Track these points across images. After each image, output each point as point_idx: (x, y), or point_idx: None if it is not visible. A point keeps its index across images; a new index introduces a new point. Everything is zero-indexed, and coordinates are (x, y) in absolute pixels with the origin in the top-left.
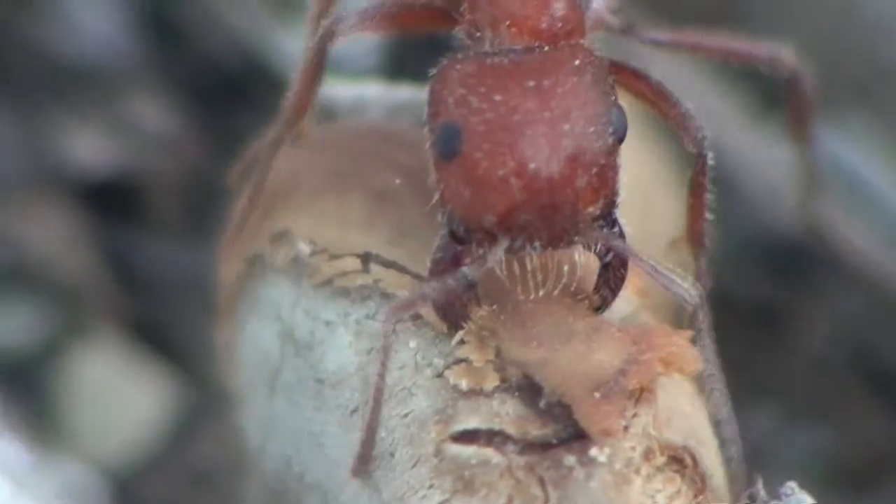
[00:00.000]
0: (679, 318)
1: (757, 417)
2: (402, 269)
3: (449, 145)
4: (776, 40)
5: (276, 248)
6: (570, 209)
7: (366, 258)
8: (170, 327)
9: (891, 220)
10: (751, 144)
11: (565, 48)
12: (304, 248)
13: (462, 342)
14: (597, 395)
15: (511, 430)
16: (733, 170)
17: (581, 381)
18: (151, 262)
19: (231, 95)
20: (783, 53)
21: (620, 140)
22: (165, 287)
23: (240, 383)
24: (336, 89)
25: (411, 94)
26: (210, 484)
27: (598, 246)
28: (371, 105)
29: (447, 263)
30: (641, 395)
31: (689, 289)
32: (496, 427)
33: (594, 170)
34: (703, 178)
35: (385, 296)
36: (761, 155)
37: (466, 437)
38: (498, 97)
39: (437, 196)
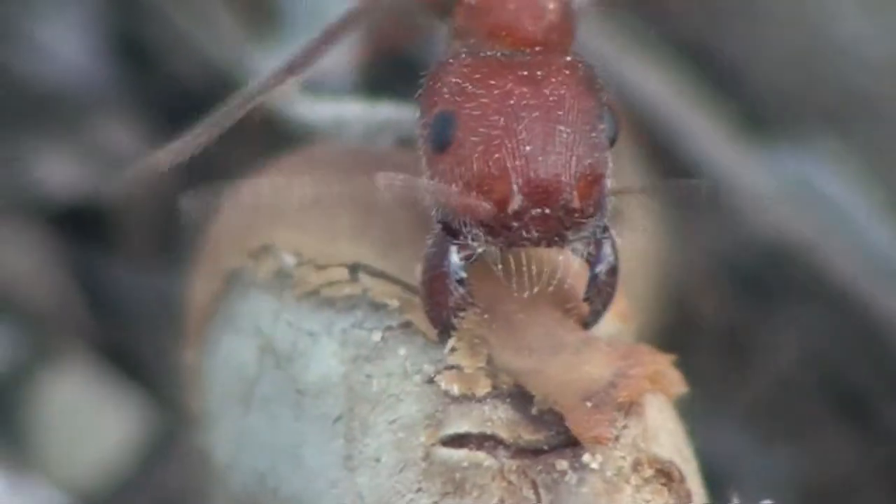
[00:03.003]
0: (659, 342)
1: (727, 439)
2: (391, 279)
3: (443, 134)
4: (748, 63)
5: (258, 262)
6: (566, 200)
7: (354, 268)
8: (139, 351)
9: (860, 243)
10: (726, 164)
11: (558, 50)
12: (290, 259)
13: (453, 349)
14: (588, 404)
15: (503, 434)
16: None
17: (572, 390)
18: (121, 287)
19: (202, 118)
20: None
21: (612, 142)
22: (135, 311)
23: (209, 403)
24: (316, 109)
25: (391, 112)
26: None
27: (589, 251)
28: (351, 124)
29: (440, 257)
30: (630, 408)
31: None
32: (488, 431)
33: (588, 162)
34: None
35: (374, 305)
36: (734, 175)
37: (457, 440)
38: (493, 85)
39: (430, 186)
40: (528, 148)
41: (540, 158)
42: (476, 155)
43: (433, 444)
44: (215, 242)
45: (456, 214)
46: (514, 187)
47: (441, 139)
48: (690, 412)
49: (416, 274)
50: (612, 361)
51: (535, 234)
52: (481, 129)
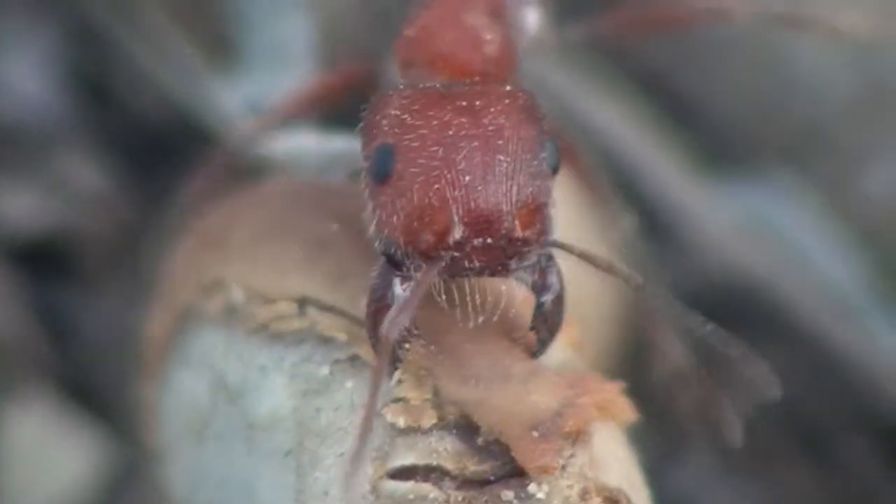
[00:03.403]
0: (611, 371)
1: (688, 469)
2: (339, 313)
3: (383, 166)
4: (705, 97)
5: (209, 297)
6: (507, 229)
7: (302, 302)
8: (100, 385)
9: (818, 276)
10: (687, 199)
11: (498, 80)
12: (238, 294)
13: (399, 381)
14: (535, 433)
15: (449, 465)
16: (669, 223)
17: (519, 420)
18: (83, 321)
19: (162, 152)
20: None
21: (554, 171)
22: (96, 345)
23: (165, 437)
24: (269, 142)
25: (344, 145)
26: None
27: (534, 280)
28: (305, 156)
29: (384, 289)
30: (578, 437)
31: (629, 272)
32: (434, 463)
33: (529, 191)
34: None
35: (322, 339)
36: (692, 209)
37: (403, 473)
38: (431, 116)
39: (372, 225)
40: (467, 178)
41: (480, 188)
42: (416, 186)
43: (380, 478)
44: (170, 277)
45: (398, 246)
46: (455, 218)
47: (381, 171)
48: (651, 443)
49: (360, 306)
50: (559, 390)
51: (478, 265)
52: (420, 161)
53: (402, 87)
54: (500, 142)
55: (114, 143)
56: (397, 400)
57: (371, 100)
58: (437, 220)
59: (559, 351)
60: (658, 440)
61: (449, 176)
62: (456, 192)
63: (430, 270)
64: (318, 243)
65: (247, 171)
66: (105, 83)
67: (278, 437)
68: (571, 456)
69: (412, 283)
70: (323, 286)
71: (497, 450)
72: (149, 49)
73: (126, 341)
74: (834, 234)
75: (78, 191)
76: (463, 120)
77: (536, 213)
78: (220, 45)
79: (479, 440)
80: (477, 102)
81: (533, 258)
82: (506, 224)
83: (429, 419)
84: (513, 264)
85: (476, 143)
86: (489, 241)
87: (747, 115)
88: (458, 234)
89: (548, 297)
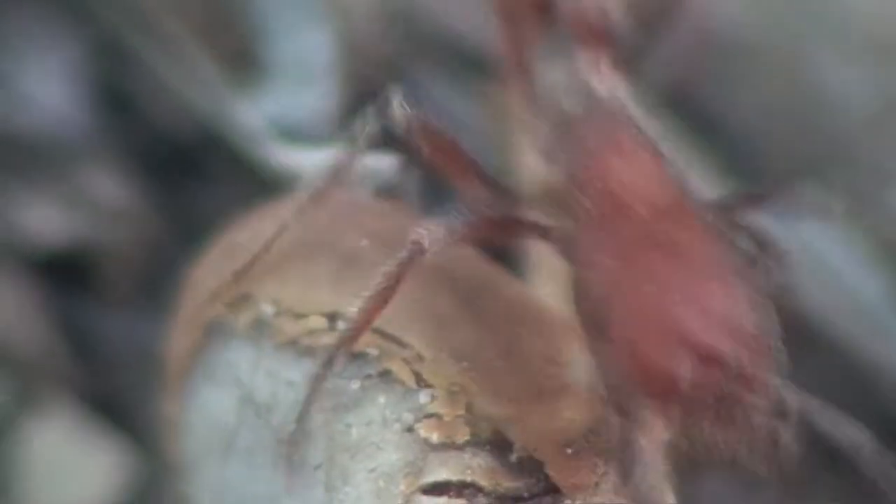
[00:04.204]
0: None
1: (713, 484)
2: (370, 328)
3: (602, 319)
4: (728, 112)
5: (237, 312)
6: (735, 373)
7: (332, 317)
8: (123, 399)
9: (843, 288)
10: None
11: (685, 210)
12: (268, 308)
13: (433, 397)
14: (568, 451)
15: (483, 482)
16: None
17: (552, 437)
18: (105, 334)
19: (185, 167)
20: None
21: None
22: (119, 359)
23: (189, 453)
24: (296, 157)
25: (371, 161)
26: None
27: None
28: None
29: (633, 451)
30: (611, 454)
31: (856, 432)
32: (468, 479)
33: (751, 329)
34: None
35: (352, 353)
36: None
37: (437, 488)
38: (642, 263)
39: (597, 372)
40: (692, 330)
41: (705, 337)
42: (640, 348)
43: (413, 493)
44: (195, 292)
45: (630, 401)
46: (685, 371)
47: (600, 324)
48: (677, 457)
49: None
50: (591, 408)
51: (714, 408)
52: (643, 320)
53: (603, 234)
54: (712, 275)
55: (137, 157)
56: (430, 415)
57: (561, 245)
58: (668, 377)
59: (589, 369)
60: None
61: (672, 332)
62: (682, 348)
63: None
64: (348, 258)
65: (273, 186)
66: (128, 97)
67: (308, 452)
68: (605, 473)
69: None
70: (352, 300)
71: (531, 467)
72: (172, 63)
73: (148, 355)
74: (861, 249)
75: (101, 204)
76: (671, 261)
77: (760, 346)
78: (243, 59)
79: (513, 457)
80: (678, 240)
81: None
82: (734, 371)
83: (462, 435)
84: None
85: (695, 295)
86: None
87: (772, 130)
88: (691, 389)
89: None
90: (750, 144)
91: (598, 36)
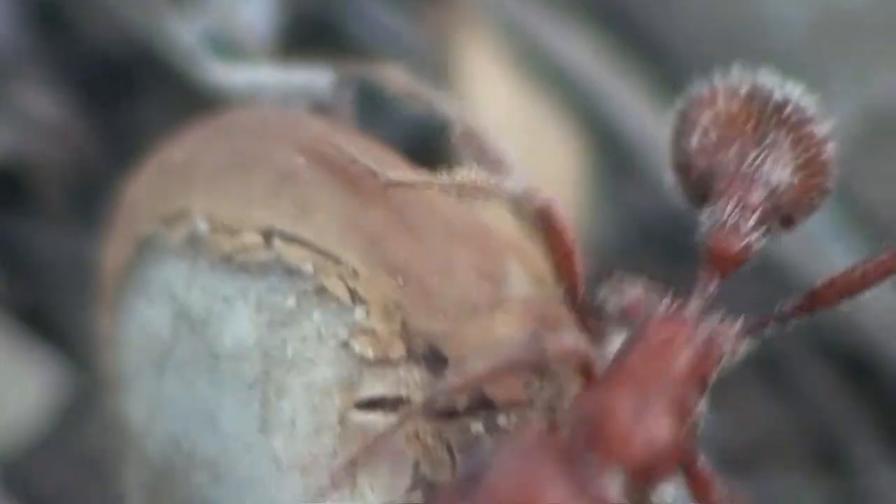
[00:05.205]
0: None
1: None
2: (305, 244)
3: None
4: (669, 31)
5: (172, 228)
6: None
7: (268, 233)
8: (56, 313)
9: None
10: (648, 129)
11: None
12: (203, 225)
13: (368, 313)
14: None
15: (417, 397)
16: (631, 151)
17: (487, 352)
18: (37, 249)
19: (119, 83)
20: None
21: None
22: (51, 273)
23: (123, 367)
24: (231, 74)
25: (306, 78)
26: (97, 467)
27: None
28: (266, 89)
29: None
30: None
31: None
32: (403, 394)
33: None
34: None
35: (288, 270)
36: (657, 139)
37: (372, 404)
38: None
39: None
40: None
41: None
42: None
43: (348, 408)
44: (129, 208)
45: None
46: None
47: None
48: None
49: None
50: (526, 323)
51: None
52: None
53: None
54: None
55: (71, 72)
56: (365, 331)
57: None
58: None
59: (524, 284)
60: None
61: None
62: None
63: None
64: (284, 175)
65: (208, 103)
66: (62, 13)
67: (243, 367)
68: (540, 389)
69: None
70: (288, 218)
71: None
72: None
73: (81, 270)
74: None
75: (34, 120)
76: None
77: None
78: None
79: (448, 372)
80: None
81: None
82: None
83: (397, 351)
84: None
85: None
86: None
87: (712, 48)
88: None
89: None
90: (689, 63)
91: None
